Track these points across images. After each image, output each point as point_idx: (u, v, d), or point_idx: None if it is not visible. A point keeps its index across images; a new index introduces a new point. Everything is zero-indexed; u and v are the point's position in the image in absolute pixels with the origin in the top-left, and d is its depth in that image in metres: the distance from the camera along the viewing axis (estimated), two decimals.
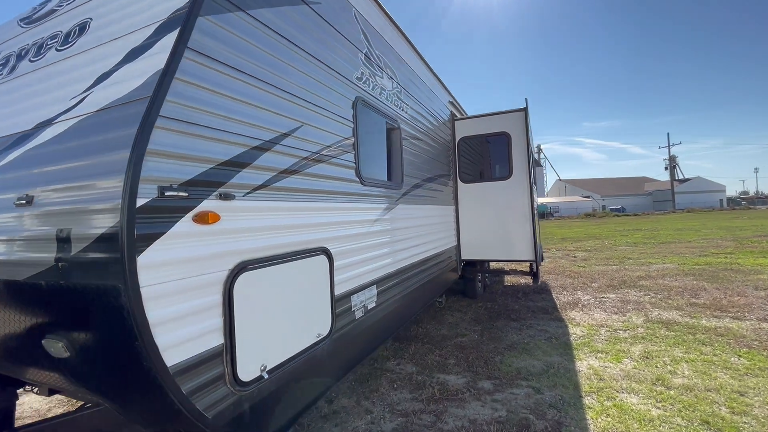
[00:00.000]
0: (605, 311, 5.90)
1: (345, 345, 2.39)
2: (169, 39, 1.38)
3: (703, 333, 4.76)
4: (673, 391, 3.35)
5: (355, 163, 2.62)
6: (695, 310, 5.77)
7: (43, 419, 1.89)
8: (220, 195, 1.51)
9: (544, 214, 52.31)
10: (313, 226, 2.12)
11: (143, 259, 1.20)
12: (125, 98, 1.36)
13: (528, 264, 6.04)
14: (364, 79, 2.84)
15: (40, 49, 1.99)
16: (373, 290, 2.82)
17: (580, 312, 5.90)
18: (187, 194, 1.36)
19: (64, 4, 2.10)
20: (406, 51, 3.78)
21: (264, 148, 1.75)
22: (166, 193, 1.28)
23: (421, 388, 3.66)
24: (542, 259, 7.56)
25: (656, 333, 4.83)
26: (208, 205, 1.45)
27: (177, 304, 1.32)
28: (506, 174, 5.37)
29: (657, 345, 4.45)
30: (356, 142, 2.64)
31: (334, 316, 2.26)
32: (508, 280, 8.69)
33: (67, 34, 1.89)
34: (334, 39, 2.44)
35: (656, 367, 3.87)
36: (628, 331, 4.96)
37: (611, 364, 3.99)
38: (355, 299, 2.55)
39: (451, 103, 5.63)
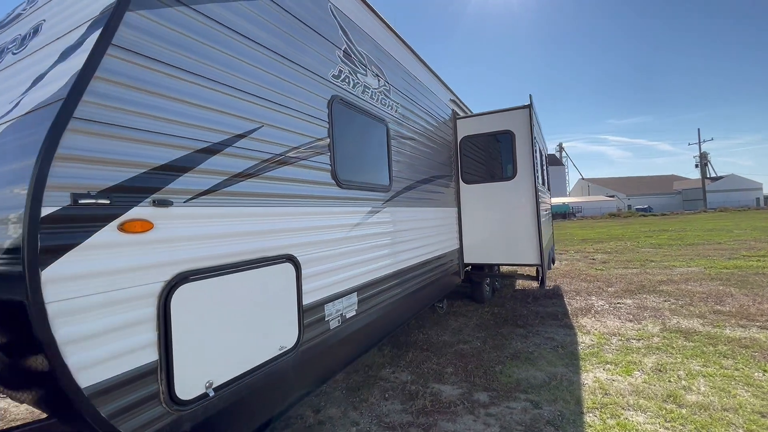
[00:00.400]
0: (619, 318, 5.57)
1: (317, 356, 2.27)
2: (94, 37, 1.30)
3: (725, 344, 4.40)
4: (686, 410, 3.08)
5: (330, 164, 2.50)
6: (719, 318, 5.37)
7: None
8: (154, 201, 1.42)
9: (566, 214, 50.94)
10: (276, 232, 2.01)
11: (49, 273, 1.11)
12: (46, 101, 1.28)
13: (535, 268, 5.76)
14: (343, 76, 2.72)
15: (1, 54, 1.97)
16: (353, 298, 2.69)
17: (592, 319, 5.60)
18: (109, 201, 1.27)
19: (29, 7, 2.06)
20: (396, 48, 3.63)
21: (212, 150, 1.65)
22: (81, 201, 1.20)
23: (413, 399, 3.51)
24: (553, 263, 7.25)
25: (673, 343, 4.50)
26: (138, 212, 1.36)
27: (96, 320, 1.23)
28: (510, 174, 5.14)
29: (672, 357, 4.14)
30: (332, 143, 2.51)
31: (302, 327, 2.14)
32: (520, 284, 8.39)
33: (24, 37, 1.85)
34: (304, 36, 2.32)
35: (669, 381, 3.58)
36: (642, 341, 4.65)
37: (620, 378, 3.72)
38: (330, 308, 2.43)
39: (453, 101, 5.44)
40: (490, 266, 6.04)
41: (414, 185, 3.93)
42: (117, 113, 1.32)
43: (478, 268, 6.26)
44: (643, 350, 4.36)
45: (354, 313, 2.69)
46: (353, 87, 2.83)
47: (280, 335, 1.99)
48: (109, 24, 1.29)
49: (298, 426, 3.16)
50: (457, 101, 5.61)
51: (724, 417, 2.95)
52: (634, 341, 4.66)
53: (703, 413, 3.02)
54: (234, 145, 1.76)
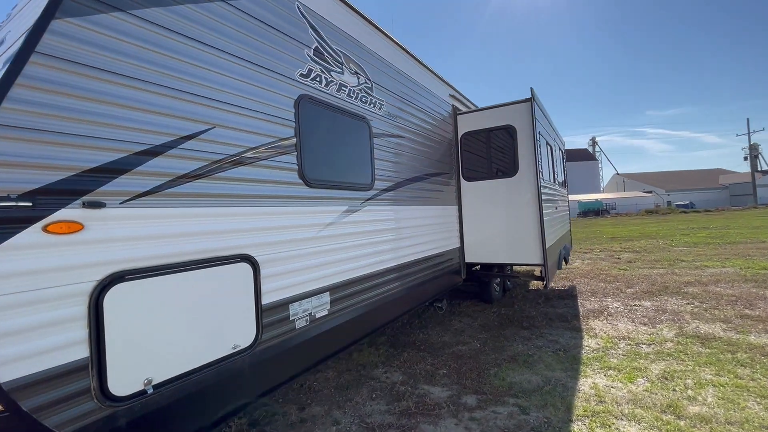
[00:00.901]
0: (633, 321, 5.28)
1: (281, 355, 2.28)
2: (17, 46, 1.35)
3: (745, 351, 4.07)
4: (684, 422, 2.87)
5: (297, 164, 2.49)
6: (745, 323, 4.98)
7: None
8: (84, 203, 1.46)
9: (598, 211, 48.83)
10: (230, 232, 2.02)
11: None
12: None
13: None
14: (313, 75, 2.70)
15: None
16: (325, 297, 2.68)
17: (603, 321, 5.33)
18: (31, 204, 1.32)
19: (6, 18, 2.18)
20: (381, 45, 3.58)
21: (152, 152, 1.68)
22: (1, 204, 1.25)
23: (399, 400, 3.47)
24: (566, 262, 6.95)
25: (687, 349, 4.21)
26: (65, 214, 1.41)
27: (18, 318, 1.28)
28: (512, 171, 4.96)
29: (683, 364, 3.87)
30: (299, 143, 2.50)
31: (261, 327, 2.15)
32: (534, 283, 8.11)
33: None
34: (264, 36, 2.32)
35: (673, 391, 3.36)
36: (653, 346, 4.38)
37: (620, 384, 3.52)
38: (297, 308, 2.43)
39: (453, 96, 5.30)
40: (501, 266, 5.86)
41: (403, 183, 3.87)
42: (42, 118, 1.37)
43: (487, 267, 6.10)
44: (652, 356, 4.11)
45: (326, 312, 2.68)
46: (326, 85, 2.82)
47: (235, 334, 2.01)
48: (32, 34, 1.34)
49: (280, 423, 3.19)
50: (458, 96, 5.47)
51: (725, 431, 2.73)
52: (644, 346, 4.40)
53: (703, 426, 2.80)
54: (179, 146, 1.79)
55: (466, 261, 5.28)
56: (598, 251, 13.09)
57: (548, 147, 5.82)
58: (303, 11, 2.63)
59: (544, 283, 4.72)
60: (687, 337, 4.56)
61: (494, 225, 5.07)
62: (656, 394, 3.31)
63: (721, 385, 3.39)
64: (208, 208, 1.92)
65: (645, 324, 5.16)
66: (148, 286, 1.64)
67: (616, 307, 5.99)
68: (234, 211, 2.05)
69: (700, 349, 4.23)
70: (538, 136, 4.90)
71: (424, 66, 4.53)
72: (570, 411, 3.12)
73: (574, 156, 69.03)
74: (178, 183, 1.78)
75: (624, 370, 3.80)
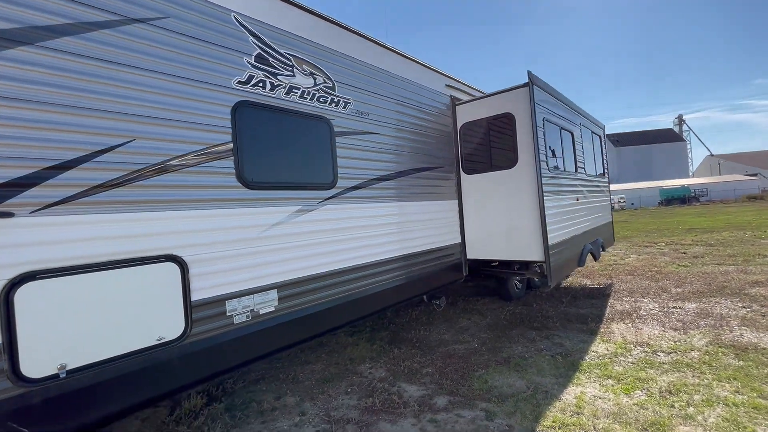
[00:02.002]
0: (663, 326, 4.69)
1: (218, 347, 2.44)
2: None
3: None
4: None
5: (235, 168, 2.62)
6: None
7: None
8: None
9: (685, 198, 43.30)
10: (153, 235, 2.20)
11: None
12: None
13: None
14: (255, 81, 2.79)
15: None
16: (271, 294, 2.79)
17: (628, 325, 4.81)
18: None
19: None
20: (345, 43, 3.55)
21: (63, 167, 1.90)
22: None
23: (370, 396, 3.49)
24: (595, 259, 6.33)
25: (714, 361, 3.67)
26: None
27: None
28: (512, 162, 4.64)
29: (700, 377, 3.38)
30: (237, 147, 2.62)
31: (190, 321, 2.33)
32: (570, 280, 7.52)
33: None
34: (193, 50, 2.44)
35: (671, 407, 2.96)
36: (673, 355, 3.88)
37: (611, 396, 3.19)
38: (235, 304, 2.57)
39: (451, 86, 5.07)
40: (508, 263, 5.52)
41: (379, 180, 3.83)
42: None
43: (505, 264, 5.80)
44: (667, 366, 3.65)
45: (272, 309, 2.79)
46: (272, 90, 2.90)
47: (160, 327, 2.20)
48: None
49: (253, 410, 3.40)
50: (457, 86, 5.21)
51: None
52: (662, 354, 3.91)
53: None
54: (93, 160, 2.00)
55: (468, 257, 5.07)
56: (663, 245, 11.69)
57: (564, 134, 5.33)
58: (241, 21, 2.73)
59: (547, 283, 4.38)
60: (721, 347, 3.96)
61: (494, 219, 4.80)
62: (647, 409, 2.95)
63: (735, 405, 2.92)
64: (126, 213, 2.12)
65: (676, 329, 4.56)
66: (60, 284, 1.88)
67: (649, 309, 5.36)
68: (157, 216, 2.24)
69: (731, 361, 3.65)
70: (542, 122, 4.53)
71: (409, 59, 4.40)
72: (537, 421, 2.91)
73: (655, 138, 61.75)
74: (93, 192, 2.00)
75: (624, 380, 3.43)
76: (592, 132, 6.88)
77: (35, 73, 1.87)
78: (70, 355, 1.90)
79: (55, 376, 1.84)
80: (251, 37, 2.79)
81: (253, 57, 2.80)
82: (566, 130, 5.41)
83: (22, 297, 1.77)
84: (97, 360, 1.97)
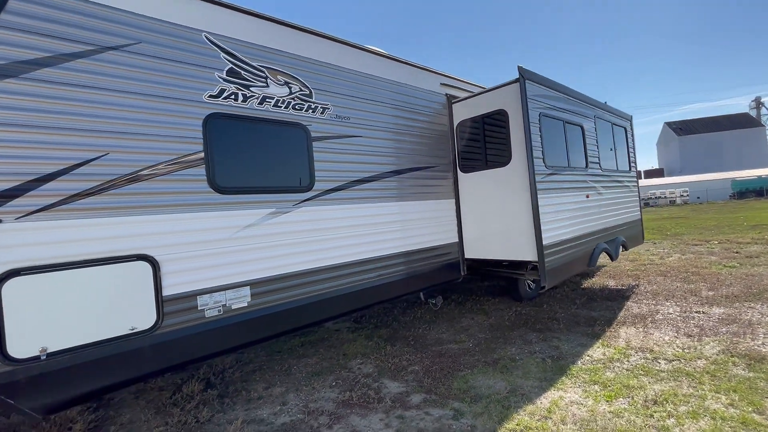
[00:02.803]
0: (677, 331, 4.38)
1: (188, 339, 2.70)
2: None
3: None
4: None
5: (206, 175, 2.86)
6: None
7: None
8: None
9: (762, 191, 38.75)
10: (126, 237, 2.48)
11: None
12: None
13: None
14: (227, 94, 3.00)
15: None
16: (244, 291, 3.01)
17: (638, 329, 4.54)
18: None
19: None
20: (321, 51, 3.66)
21: (44, 179, 2.21)
22: None
23: (350, 390, 3.63)
24: (612, 258, 5.96)
25: (719, 371, 3.39)
26: None
27: None
28: (505, 160, 4.52)
29: (696, 388, 3.16)
30: (209, 156, 2.86)
31: (162, 314, 2.60)
32: (592, 281, 7.15)
33: None
34: (164, 70, 2.69)
35: (650, 416, 2.81)
36: (675, 362, 3.63)
37: (589, 402, 3.08)
38: (207, 299, 2.81)
39: (446, 85, 5.02)
40: (512, 263, 5.37)
41: (364, 181, 3.94)
42: None
43: (515, 265, 5.68)
44: (664, 374, 3.43)
45: (245, 304, 3.02)
46: (244, 101, 3.11)
47: (133, 318, 2.49)
48: None
49: (242, 397, 3.67)
50: (454, 83, 5.14)
51: None
52: (663, 362, 3.68)
53: None
54: (71, 172, 2.30)
55: (466, 256, 5.03)
56: (716, 243, 10.67)
57: (571, 128, 5.08)
58: (212, 39, 2.96)
59: (540, 284, 4.25)
60: (733, 356, 3.64)
61: (490, 218, 4.71)
62: (622, 418, 2.82)
63: (722, 419, 2.71)
64: (100, 218, 2.41)
65: (691, 335, 4.24)
66: (42, 279, 2.20)
67: (669, 313, 4.99)
68: (129, 220, 2.52)
69: (740, 371, 3.36)
70: (537, 118, 4.38)
71: (396, 60, 4.45)
72: (501, 423, 2.89)
73: (726, 124, 55.71)
74: (71, 200, 2.31)
75: (611, 387, 3.28)
76: (613, 124, 6.47)
77: (19, 101, 2.20)
78: (51, 339, 2.23)
79: (37, 358, 2.18)
80: (222, 54, 3.02)
81: (225, 72, 3.03)
82: (573, 124, 5.17)
83: (8, 290, 2.10)
84: (74, 345, 2.29)
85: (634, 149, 7.26)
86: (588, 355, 3.95)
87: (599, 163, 5.77)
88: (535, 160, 4.25)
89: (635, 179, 7.16)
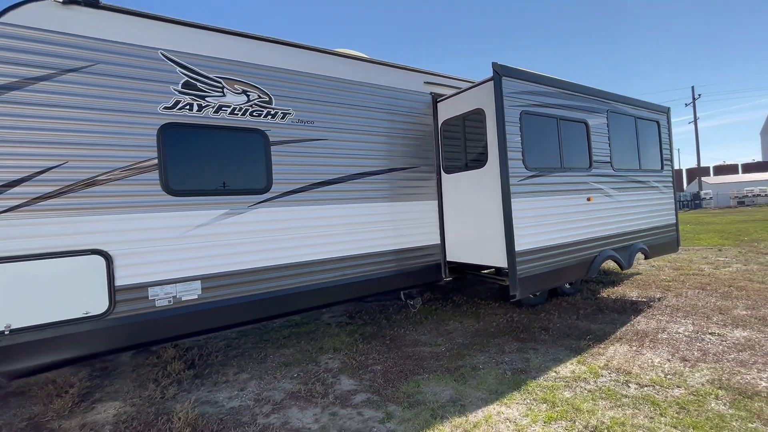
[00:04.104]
0: (673, 354, 3.93)
1: (138, 324, 3.06)
2: None
3: None
4: None
5: (160, 179, 3.17)
6: None
7: None
8: None
9: None
10: (81, 234, 2.86)
11: None
12: None
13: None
14: (182, 105, 3.26)
15: None
16: (195, 285, 3.30)
17: (631, 347, 4.14)
18: None
19: None
20: (285, 58, 3.77)
21: (10, 185, 2.63)
22: None
23: (305, 383, 3.81)
24: (621, 268, 5.41)
25: (692, 404, 3.03)
26: None
27: None
28: (482, 160, 4.31)
29: (653, 420, 2.86)
30: (163, 162, 3.16)
31: (114, 301, 2.97)
32: (612, 290, 6.55)
33: None
34: (120, 87, 3.01)
35: None
36: (646, 389, 3.30)
37: (523, 422, 2.95)
38: (157, 290, 3.14)
39: (431, 83, 4.87)
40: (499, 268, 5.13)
41: (330, 183, 4.05)
42: None
43: (498, 270, 5.45)
44: (626, 399, 3.14)
45: (195, 297, 3.31)
46: (199, 110, 3.36)
47: (87, 304, 2.88)
48: None
49: (210, 380, 4.02)
50: (440, 81, 4.96)
51: None
52: (633, 387, 3.35)
53: None
54: (34, 179, 2.72)
55: (447, 260, 4.91)
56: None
57: (568, 125, 4.67)
58: (168, 55, 3.24)
59: (510, 293, 4.04)
60: (720, 388, 3.20)
61: (468, 221, 4.54)
62: None
63: None
64: (59, 218, 2.81)
65: (686, 360, 3.78)
66: (8, 267, 2.64)
67: (676, 332, 4.46)
68: (87, 219, 2.89)
69: (718, 407, 2.96)
70: (517, 117, 4.12)
71: (369, 62, 4.43)
72: (420, 431, 2.88)
73: None
74: (33, 203, 2.72)
75: (559, 408, 3.09)
76: (637, 118, 5.80)
77: None
78: (14, 318, 2.69)
79: (2, 333, 2.65)
80: (179, 68, 3.30)
81: (180, 84, 3.31)
82: (572, 120, 4.76)
83: None
84: (35, 323, 2.73)
85: (669, 146, 6.45)
86: (555, 371, 3.71)
87: (610, 163, 5.24)
88: (512, 162, 4.03)
89: (669, 179, 6.36)
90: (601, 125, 5.14)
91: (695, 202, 35.21)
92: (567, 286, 6.21)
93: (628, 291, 6.41)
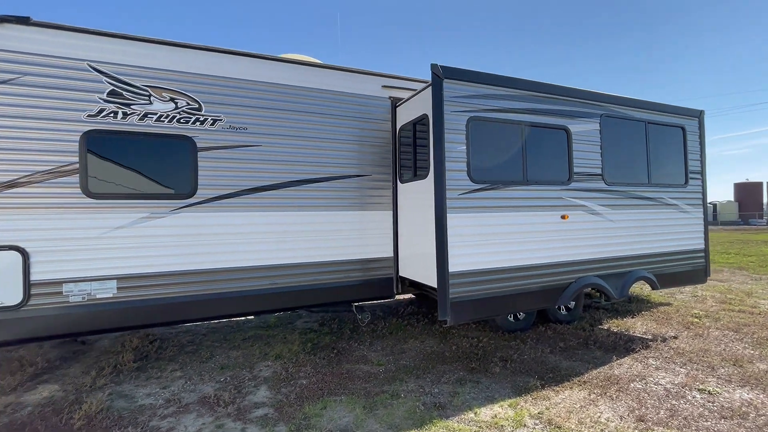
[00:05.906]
0: (632, 411, 3.26)
1: (54, 317, 3.26)
2: None
3: None
4: None
5: (80, 182, 3.35)
6: None
7: None
8: None
9: None
10: (2, 231, 3.15)
11: None
12: None
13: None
14: (106, 113, 3.40)
15: None
16: (110, 284, 3.44)
17: (588, 395, 3.53)
18: None
19: None
20: (217, 65, 3.76)
21: None
22: None
23: (223, 389, 3.79)
24: (609, 297, 4.60)
25: None
26: None
27: None
28: (425, 171, 3.93)
29: None
30: (83, 166, 3.34)
31: (28, 294, 3.21)
32: (625, 322, 5.65)
33: None
34: (47, 96, 3.20)
35: None
36: None
37: None
38: (71, 287, 3.32)
39: (389, 87, 4.55)
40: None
41: (262, 189, 3.99)
42: None
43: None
44: None
45: (110, 295, 3.46)
46: (123, 118, 3.48)
47: (2, 295, 3.15)
48: None
49: (148, 374, 4.18)
50: (399, 84, 4.58)
51: None
52: None
53: None
54: None
55: (401, 275, 4.58)
56: None
57: (541, 132, 4.08)
58: (95, 66, 3.40)
59: (439, 318, 3.64)
60: None
61: (414, 235, 4.18)
62: None
63: None
64: None
65: (643, 420, 3.12)
66: None
67: (659, 384, 3.70)
68: (6, 217, 3.16)
69: None
70: (464, 124, 3.70)
71: (316, 66, 4.27)
72: None
73: None
74: None
75: None
76: (650, 123, 4.91)
77: None
78: None
79: None
80: (105, 78, 3.48)
81: (106, 93, 3.48)
82: (546, 127, 4.16)
83: None
84: None
85: (701, 156, 5.38)
86: (474, 412, 3.27)
87: (602, 176, 4.50)
88: (452, 174, 3.63)
89: (696, 196, 5.29)
90: (589, 132, 4.44)
91: None
92: (562, 311, 5.50)
93: (639, 324, 5.48)
